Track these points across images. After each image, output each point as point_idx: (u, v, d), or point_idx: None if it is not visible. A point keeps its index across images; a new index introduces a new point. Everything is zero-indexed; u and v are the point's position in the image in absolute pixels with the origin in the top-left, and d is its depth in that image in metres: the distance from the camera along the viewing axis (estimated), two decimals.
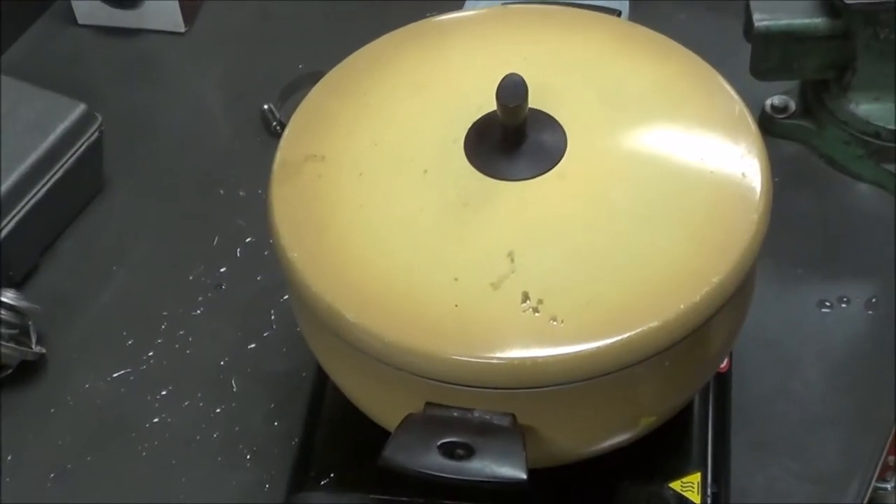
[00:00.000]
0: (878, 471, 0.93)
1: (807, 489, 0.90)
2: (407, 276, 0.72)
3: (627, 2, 1.14)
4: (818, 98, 1.10)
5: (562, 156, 0.76)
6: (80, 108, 1.07)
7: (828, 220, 1.07)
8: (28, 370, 0.99)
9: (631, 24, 0.87)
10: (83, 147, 1.07)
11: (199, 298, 1.04)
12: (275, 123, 1.15)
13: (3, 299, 0.96)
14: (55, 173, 1.05)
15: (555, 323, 0.69)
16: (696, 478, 0.82)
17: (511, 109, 0.74)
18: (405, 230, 0.74)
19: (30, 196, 1.03)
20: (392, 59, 0.84)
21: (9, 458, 0.95)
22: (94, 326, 1.03)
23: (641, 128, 0.79)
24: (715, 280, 0.71)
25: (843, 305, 1.00)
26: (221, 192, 1.12)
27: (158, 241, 1.09)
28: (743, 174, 0.75)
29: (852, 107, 1.07)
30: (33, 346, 0.98)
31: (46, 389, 0.99)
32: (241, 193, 1.12)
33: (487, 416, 0.70)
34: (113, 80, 1.24)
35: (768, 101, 1.13)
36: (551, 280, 0.70)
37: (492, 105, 0.75)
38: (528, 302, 0.69)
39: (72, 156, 1.06)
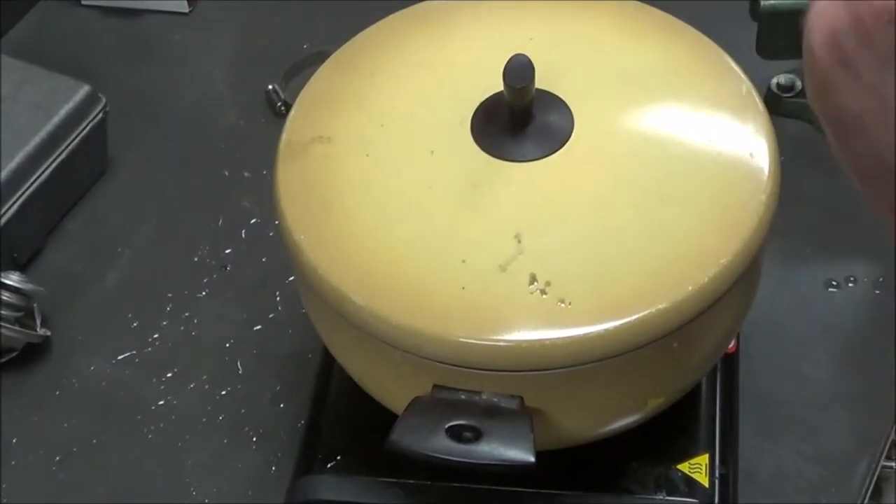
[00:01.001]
0: (885, 450, 0.93)
1: (815, 469, 0.90)
2: (414, 258, 0.72)
3: None
4: None
5: (569, 137, 0.75)
6: (85, 89, 1.07)
7: (834, 199, 1.07)
8: (33, 353, 0.99)
9: (637, 3, 0.87)
10: (87, 128, 1.07)
11: (205, 280, 1.04)
12: (279, 104, 1.15)
13: (8, 282, 0.96)
14: (59, 155, 1.05)
15: (562, 305, 0.68)
16: (703, 459, 0.82)
17: (518, 90, 0.74)
18: (412, 212, 0.73)
19: (34, 178, 1.03)
20: (398, 40, 0.84)
21: (14, 440, 0.95)
22: (98, 308, 1.03)
23: (648, 108, 0.78)
24: (723, 261, 0.70)
25: (851, 285, 1.00)
26: (226, 173, 1.12)
27: (163, 223, 1.09)
28: (751, 154, 0.75)
29: None
30: (38, 329, 0.98)
31: (51, 372, 0.99)
32: (246, 174, 1.11)
33: (495, 399, 0.70)
34: (117, 60, 1.23)
35: (774, 80, 1.12)
36: (559, 262, 0.70)
37: (498, 86, 0.74)
38: (535, 284, 0.69)
39: (76, 137, 1.06)
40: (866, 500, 0.90)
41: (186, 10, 1.27)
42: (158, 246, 1.08)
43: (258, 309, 1.01)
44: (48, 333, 0.99)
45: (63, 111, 1.05)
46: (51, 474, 0.93)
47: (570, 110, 0.76)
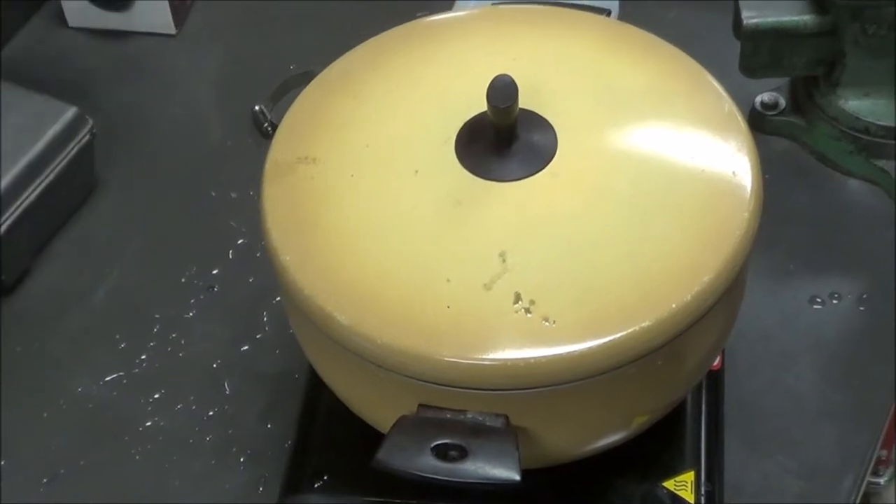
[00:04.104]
0: (871, 465, 0.93)
1: (801, 485, 0.90)
2: (399, 277, 0.72)
3: (617, 1, 1.14)
4: (808, 94, 1.10)
5: (552, 156, 0.76)
6: (72, 111, 1.07)
7: (819, 215, 1.07)
8: (20, 374, 0.99)
9: (620, 23, 0.87)
10: (74, 150, 1.07)
11: (192, 300, 1.04)
12: (266, 124, 1.15)
13: None
14: (46, 176, 1.05)
15: (547, 323, 0.69)
16: (689, 476, 0.83)
17: (501, 110, 0.74)
18: (397, 232, 0.74)
19: (21, 199, 1.03)
20: (383, 60, 0.84)
21: (2, 462, 0.95)
22: (86, 329, 1.03)
23: (631, 127, 0.79)
24: (706, 278, 0.71)
25: (835, 301, 1.00)
26: (213, 193, 1.12)
27: (150, 243, 1.09)
28: (733, 172, 0.75)
29: (842, 103, 1.07)
30: None
31: (39, 393, 0.99)
32: (233, 195, 1.12)
33: (480, 418, 0.70)
34: (104, 82, 1.24)
35: (758, 98, 1.13)
36: (543, 280, 0.71)
37: (482, 105, 0.75)
38: (520, 302, 0.69)
39: (63, 159, 1.06)
40: None
41: (173, 31, 1.27)
42: (146, 266, 1.08)
43: (245, 329, 1.01)
44: None
45: (50, 133, 1.05)
46: (38, 496, 0.93)
47: (553, 130, 0.77)
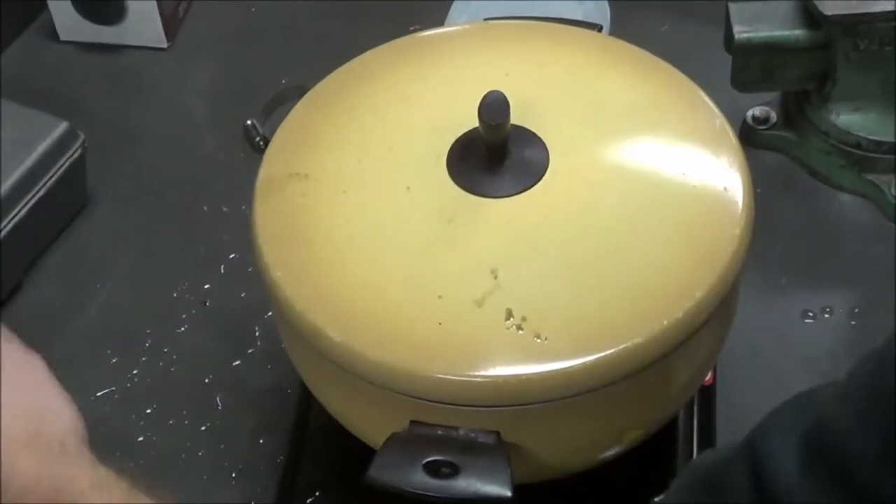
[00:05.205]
0: None
1: None
2: (390, 294, 0.72)
3: (609, 15, 1.14)
4: (799, 109, 1.10)
5: (544, 172, 0.76)
6: (63, 125, 1.07)
7: (810, 230, 1.07)
8: None
9: (612, 39, 0.88)
10: (66, 165, 1.07)
11: (184, 315, 1.04)
12: (258, 139, 1.15)
13: None
14: (38, 191, 1.05)
15: (539, 340, 0.69)
16: None
17: (493, 126, 0.74)
18: (388, 248, 0.74)
19: (13, 214, 1.03)
20: (375, 76, 0.84)
21: None
22: (78, 344, 1.03)
23: (623, 143, 0.79)
24: (698, 295, 0.71)
25: (827, 315, 1.00)
26: (205, 208, 1.12)
27: (142, 258, 1.09)
28: (725, 188, 0.75)
29: (833, 117, 1.07)
30: None
31: None
32: (225, 209, 1.11)
33: (472, 434, 0.70)
34: (96, 96, 1.24)
35: (749, 113, 1.13)
36: (535, 297, 0.71)
37: (474, 122, 0.75)
38: (511, 319, 0.69)
39: (55, 173, 1.06)
40: None
41: (165, 44, 1.27)
42: (137, 281, 1.08)
43: (237, 344, 1.01)
44: None
45: (41, 148, 1.05)
46: None
47: (545, 146, 0.77)
